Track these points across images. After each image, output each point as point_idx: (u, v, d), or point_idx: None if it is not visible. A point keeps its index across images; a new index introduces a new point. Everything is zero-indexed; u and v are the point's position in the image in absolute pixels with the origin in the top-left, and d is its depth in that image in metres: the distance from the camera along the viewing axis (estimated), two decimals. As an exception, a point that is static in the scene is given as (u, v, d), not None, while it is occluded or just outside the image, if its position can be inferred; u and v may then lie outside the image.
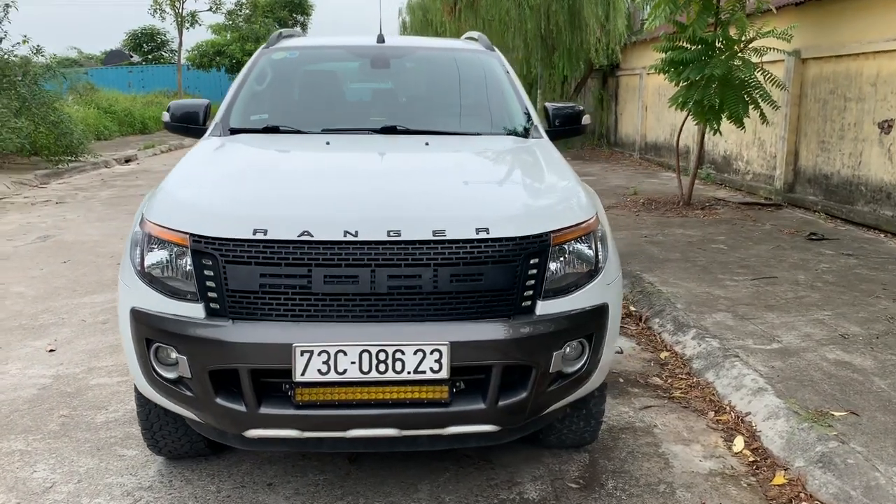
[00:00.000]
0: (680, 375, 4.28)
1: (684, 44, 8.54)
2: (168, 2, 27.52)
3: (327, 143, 3.42)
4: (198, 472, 3.19)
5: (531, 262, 2.59)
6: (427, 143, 3.40)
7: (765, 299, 5.30)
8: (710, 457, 3.36)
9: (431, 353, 2.46)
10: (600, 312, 2.77)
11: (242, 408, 2.52)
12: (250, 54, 26.61)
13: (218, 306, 2.52)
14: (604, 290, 2.80)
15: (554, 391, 2.69)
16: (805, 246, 7.09)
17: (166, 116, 3.93)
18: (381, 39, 4.31)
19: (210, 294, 2.52)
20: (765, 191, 10.19)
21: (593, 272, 2.78)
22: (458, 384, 2.59)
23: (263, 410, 2.52)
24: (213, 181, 2.85)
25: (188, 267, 2.55)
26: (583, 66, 16.60)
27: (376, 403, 2.53)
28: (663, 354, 4.61)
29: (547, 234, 2.63)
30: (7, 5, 14.56)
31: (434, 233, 2.52)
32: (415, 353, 2.46)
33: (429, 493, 3.04)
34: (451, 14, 17.22)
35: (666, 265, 6.31)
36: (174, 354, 2.56)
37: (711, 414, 3.77)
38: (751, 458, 3.31)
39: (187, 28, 28.11)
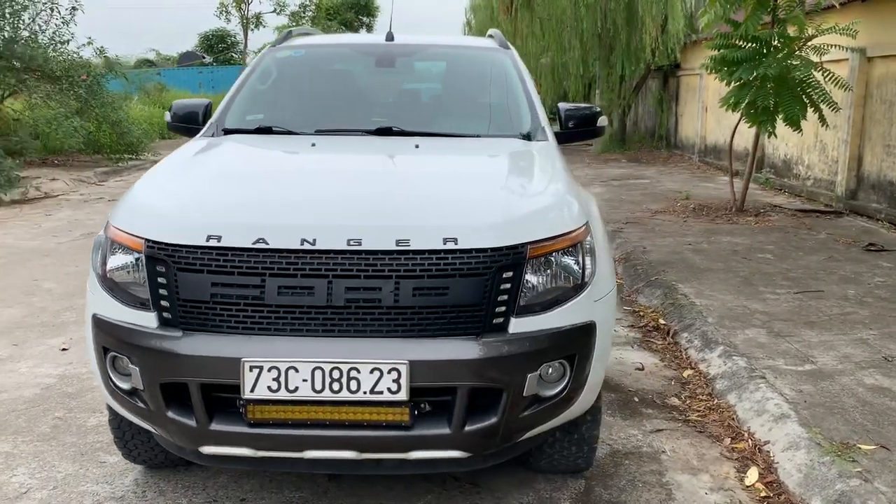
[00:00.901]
0: (700, 396, 3.99)
1: (739, 42, 8.12)
2: (234, 4, 28.05)
3: (312, 145, 3.28)
4: (173, 484, 3.09)
5: (504, 275, 2.39)
6: (417, 146, 3.22)
7: (806, 315, 4.93)
8: (718, 489, 3.08)
9: (389, 372, 2.29)
10: (585, 331, 2.54)
11: (194, 423, 2.39)
12: None
13: (170, 316, 2.40)
14: (590, 308, 2.57)
15: (530, 416, 2.48)
16: (860, 257, 6.63)
17: (168, 116, 3.86)
18: (390, 37, 4.15)
19: (163, 303, 2.41)
20: (825, 197, 9.64)
21: (578, 287, 2.55)
22: (422, 406, 2.41)
23: (215, 427, 2.39)
24: (178, 184, 2.74)
25: (142, 274, 2.44)
26: (642, 66, 16.14)
27: (332, 424, 2.36)
28: (686, 373, 4.32)
29: (523, 245, 2.42)
30: (73, 9, 14.98)
31: (397, 242, 2.34)
32: (371, 371, 2.29)
33: (405, 516, 2.87)
34: (507, 13, 17.00)
35: (705, 275, 5.97)
36: (128, 365, 2.46)
37: (727, 440, 3.48)
38: (762, 493, 3.02)
39: (252, 30, 28.57)
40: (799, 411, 3.49)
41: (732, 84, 8.25)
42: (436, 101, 3.86)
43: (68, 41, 15.20)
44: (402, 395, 2.30)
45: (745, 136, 10.17)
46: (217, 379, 2.33)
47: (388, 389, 2.29)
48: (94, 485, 3.09)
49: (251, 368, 2.29)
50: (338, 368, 2.29)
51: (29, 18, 14.30)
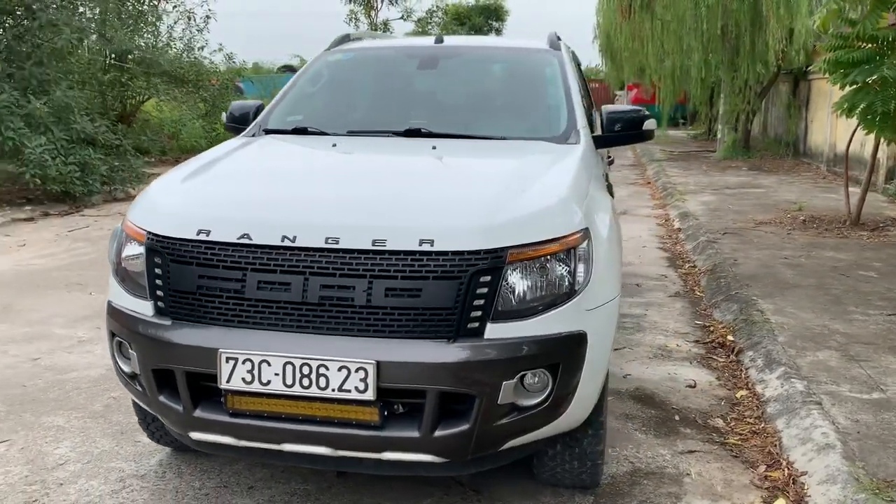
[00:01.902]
0: (747, 419, 3.74)
1: (857, 43, 7.53)
2: (362, 11, 28.97)
3: (333, 146, 3.34)
4: (193, 467, 3.23)
5: (481, 279, 2.34)
6: (434, 147, 3.21)
7: (893, 340, 4.51)
8: (736, 519, 2.88)
9: (356, 371, 2.30)
10: (573, 341, 2.45)
11: (181, 409, 2.50)
12: None
13: (164, 305, 2.52)
14: (581, 317, 2.47)
15: (508, 425, 2.42)
16: (980, 279, 5.98)
17: (224, 117, 4.04)
18: (439, 40, 4.16)
19: (158, 293, 2.53)
20: (959, 212, 8.77)
21: (567, 295, 2.46)
22: (395, 407, 2.40)
23: (199, 414, 2.48)
24: (187, 181, 2.86)
25: (143, 264, 2.58)
26: (769, 69, 15.28)
27: (304, 419, 2.40)
28: (740, 393, 4.05)
29: (502, 249, 2.36)
30: (207, 17, 16.01)
31: (374, 242, 2.35)
32: (339, 369, 2.31)
33: (400, 517, 2.87)
34: (624, 15, 16.58)
35: (791, 292, 5.58)
36: (129, 350, 2.60)
37: (762, 468, 3.25)
38: (783, 528, 2.80)
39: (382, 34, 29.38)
40: (847, 442, 3.20)
41: (847, 88, 7.66)
42: (471, 103, 3.83)
43: (202, 48, 16.23)
44: (370, 395, 2.30)
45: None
46: (198, 368, 2.42)
47: (356, 388, 2.30)
48: (122, 462, 3.28)
49: (227, 359, 2.36)
50: (307, 364, 2.32)
51: (166, 27, 15.40)
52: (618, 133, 3.63)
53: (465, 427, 2.36)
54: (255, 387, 2.36)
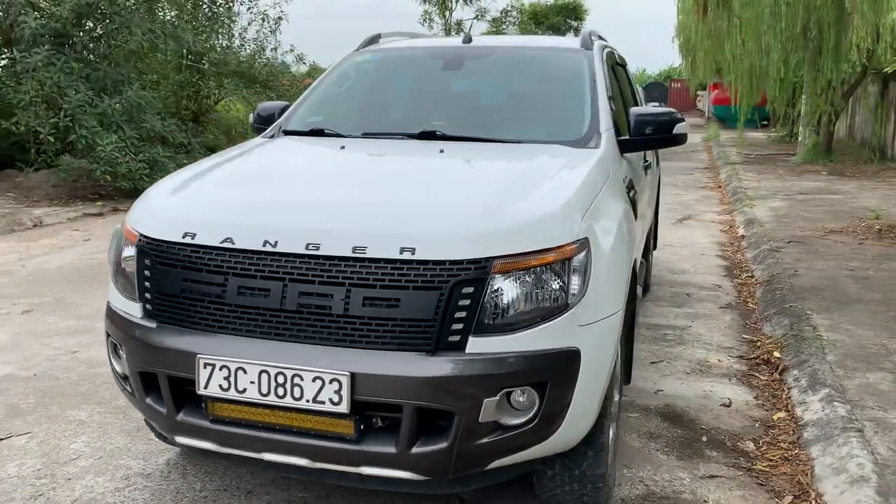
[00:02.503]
0: (781, 444, 3.49)
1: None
2: (437, 12, 29.00)
3: (342, 148, 3.28)
4: (198, 468, 3.23)
5: (463, 290, 2.23)
6: (442, 151, 3.11)
7: (957, 362, 4.16)
8: (750, 554, 2.68)
9: (330, 382, 2.23)
10: (564, 358, 2.31)
11: (165, 412, 2.49)
12: None
13: (151, 308, 2.51)
14: (574, 333, 2.34)
15: (490, 444, 2.30)
16: None
17: (251, 117, 4.05)
18: (467, 40, 4.06)
19: (146, 295, 2.52)
20: None
21: (558, 310, 2.32)
22: (373, 420, 2.32)
23: (181, 418, 2.46)
24: (187, 184, 2.84)
25: (134, 266, 2.57)
26: (855, 69, 14.51)
27: (280, 429, 2.34)
28: (778, 415, 3.80)
29: (487, 259, 2.24)
30: (279, 19, 16.31)
31: (354, 249, 2.28)
32: (313, 380, 2.24)
33: (393, 531, 2.79)
34: (701, 13, 16.04)
35: (851, 307, 5.23)
36: (120, 351, 2.61)
37: (788, 499, 3.02)
38: (799, 566, 2.58)
39: (455, 34, 29.32)
40: (884, 475, 2.95)
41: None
42: (491, 105, 3.71)
43: (274, 49, 16.55)
44: (343, 408, 2.23)
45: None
46: (177, 372, 2.40)
47: (330, 400, 2.23)
48: (132, 459, 3.31)
49: (205, 365, 2.33)
50: (282, 373, 2.27)
51: (240, 29, 15.77)
52: (647, 137, 3.45)
53: (443, 445, 2.26)
54: (232, 394, 2.32)
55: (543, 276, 2.31)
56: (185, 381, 2.43)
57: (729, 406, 3.92)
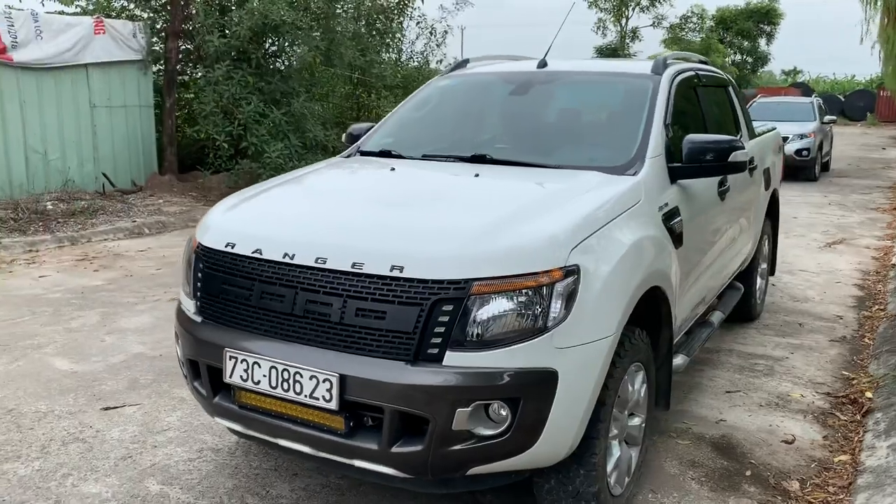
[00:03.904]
0: (830, 488, 3.35)
1: None
2: (612, 19, 28.63)
3: (392, 170, 3.55)
4: (261, 449, 3.63)
5: (444, 308, 2.44)
6: (477, 175, 3.30)
7: None
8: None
9: (323, 381, 2.52)
10: (538, 378, 2.46)
11: (205, 395, 2.90)
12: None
13: (199, 305, 2.94)
14: (551, 354, 2.47)
15: (465, 451, 2.48)
16: None
17: (344, 137, 4.45)
18: (542, 64, 4.20)
19: (198, 294, 2.95)
20: None
21: (537, 331, 2.47)
22: (365, 419, 2.58)
23: (216, 401, 2.86)
24: (243, 200, 3.25)
25: (192, 270, 3.02)
26: None
27: (288, 419, 2.67)
28: (840, 458, 3.62)
29: (466, 280, 2.44)
30: (445, 32, 16.98)
31: (353, 265, 2.56)
32: (310, 378, 2.55)
33: (406, 524, 3.04)
34: (891, 16, 14.75)
35: (978, 350, 4.78)
36: (180, 340, 3.06)
37: (809, 543, 2.93)
38: None
39: (628, 44, 28.82)
40: (917, 531, 2.79)
41: None
42: (545, 130, 3.82)
43: (440, 61, 17.23)
44: (333, 405, 2.51)
45: None
46: (211, 362, 2.80)
47: (323, 397, 2.53)
48: (210, 436, 3.78)
49: (230, 358, 2.71)
50: (287, 370, 2.59)
51: (408, 42, 16.59)
52: (700, 164, 3.44)
53: (418, 448, 2.47)
54: (249, 384, 2.68)
55: (522, 300, 2.47)
56: (218, 370, 2.83)
57: (791, 443, 3.78)
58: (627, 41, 28.51)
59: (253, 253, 2.76)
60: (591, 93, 4.00)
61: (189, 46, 12.60)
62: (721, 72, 5.08)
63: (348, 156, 4.05)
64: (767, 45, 42.75)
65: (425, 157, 3.73)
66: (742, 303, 5.45)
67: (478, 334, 2.45)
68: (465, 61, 4.66)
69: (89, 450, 3.63)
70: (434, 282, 2.45)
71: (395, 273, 2.48)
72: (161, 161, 12.17)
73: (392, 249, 2.56)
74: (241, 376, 2.70)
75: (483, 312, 2.45)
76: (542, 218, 2.73)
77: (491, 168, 3.43)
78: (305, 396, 2.56)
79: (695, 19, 30.59)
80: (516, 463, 2.56)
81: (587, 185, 3.11)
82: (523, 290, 2.47)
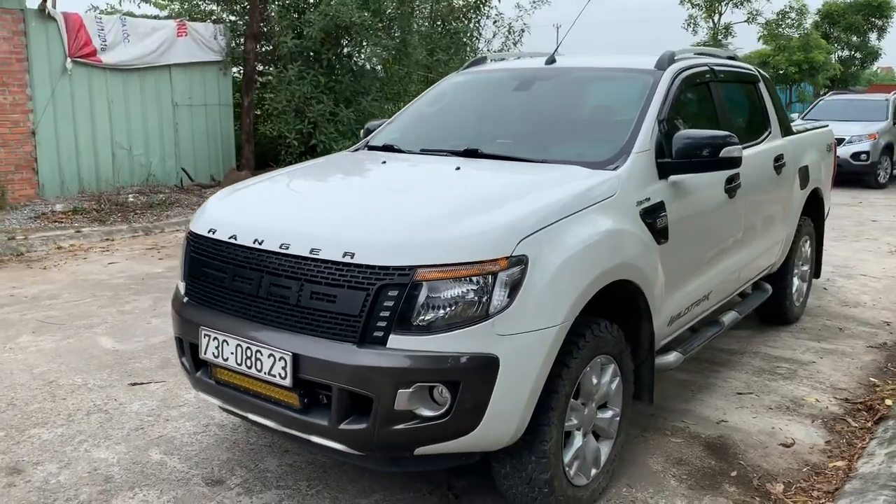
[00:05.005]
0: (815, 492, 3.26)
1: None
2: (703, 16, 27.76)
3: (383, 163, 3.68)
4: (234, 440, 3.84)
5: (389, 293, 2.55)
6: (458, 168, 3.38)
7: None
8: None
9: (279, 359, 2.68)
10: (478, 363, 2.54)
11: (188, 370, 3.12)
12: (798, 66, 24.76)
13: (187, 286, 3.16)
14: (493, 341, 2.55)
15: (408, 431, 2.58)
16: None
17: (362, 131, 4.62)
18: (551, 60, 4.24)
19: (186, 276, 3.17)
20: None
21: (479, 318, 2.55)
22: (320, 397, 2.73)
23: (198, 375, 3.07)
24: (234, 190, 3.45)
25: (184, 254, 3.24)
26: None
27: (254, 394, 2.84)
28: (836, 463, 3.51)
29: (411, 267, 2.54)
30: (522, 30, 16.97)
31: (311, 250, 2.70)
32: (268, 356, 2.71)
33: (378, 500, 3.17)
34: None
35: None
36: (172, 319, 3.29)
37: (773, 545, 2.87)
38: None
39: (721, 41, 27.83)
40: (884, 539, 2.70)
41: None
42: (540, 125, 3.84)
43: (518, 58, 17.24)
44: (288, 382, 2.67)
45: None
46: (192, 339, 3.01)
47: (279, 374, 2.69)
48: (219, 413, 4.00)
49: (204, 335, 2.91)
50: (250, 348, 2.77)
51: (485, 41, 16.69)
52: (690, 160, 3.42)
53: (364, 425, 2.60)
54: (220, 361, 2.87)
55: (465, 287, 2.55)
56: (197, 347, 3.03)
57: (789, 447, 3.69)
58: (720, 38, 27.56)
59: (229, 238, 2.95)
60: (592, 88, 4.01)
61: (268, 48, 13.13)
62: (751, 67, 4.95)
63: (357, 150, 4.21)
64: (879, 39, 40.48)
65: (423, 151, 3.84)
66: (774, 305, 5.30)
67: (421, 319, 2.55)
68: (483, 58, 4.75)
69: (108, 420, 3.94)
70: (381, 268, 2.56)
71: (347, 259, 2.61)
72: (239, 157, 12.74)
73: (347, 237, 2.69)
74: (213, 353, 2.89)
75: (426, 298, 2.55)
76: (499, 209, 2.80)
77: (477, 162, 3.51)
78: (265, 373, 2.73)
79: (793, 15, 29.21)
80: (460, 445, 2.64)
81: (560, 178, 3.15)
82: (467, 278, 2.55)
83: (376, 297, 2.56)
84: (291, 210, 3.13)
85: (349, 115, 11.78)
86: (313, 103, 11.60)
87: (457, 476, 3.33)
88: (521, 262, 2.60)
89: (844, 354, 4.99)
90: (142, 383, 4.44)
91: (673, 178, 3.49)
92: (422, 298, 2.55)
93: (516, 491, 2.91)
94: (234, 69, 12.90)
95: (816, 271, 5.99)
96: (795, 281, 5.49)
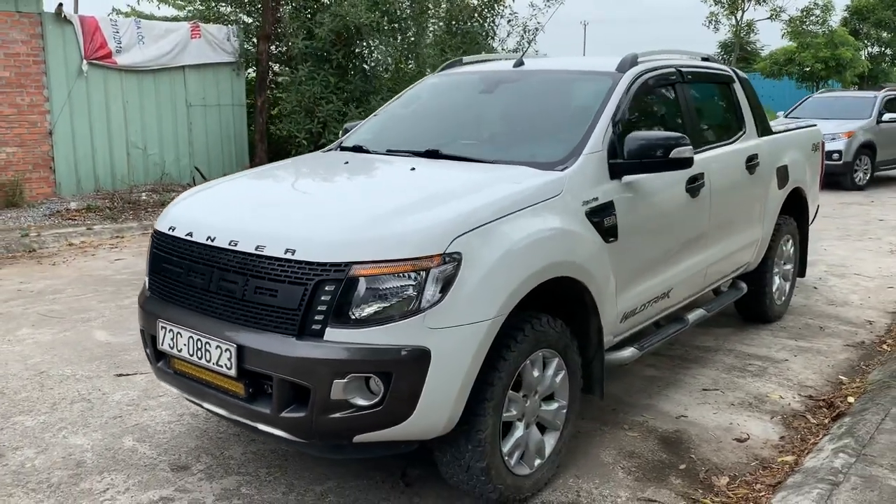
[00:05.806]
0: (756, 485, 3.33)
1: None
2: (724, 13, 27.51)
3: (346, 163, 3.81)
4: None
5: (326, 288, 2.68)
6: (413, 168, 3.50)
7: None
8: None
9: (225, 350, 2.83)
10: (410, 355, 2.66)
11: (151, 359, 3.29)
12: (825, 63, 24.49)
13: (150, 281, 3.32)
14: (423, 334, 2.67)
15: (345, 419, 2.71)
16: None
17: (341, 131, 4.76)
18: (518, 63, 4.34)
19: (150, 272, 3.34)
20: None
21: (411, 312, 2.67)
22: (265, 387, 2.87)
23: (159, 366, 3.24)
24: (199, 191, 3.61)
25: (149, 251, 3.41)
26: None
27: (206, 384, 3.00)
28: (785, 458, 3.57)
29: (347, 263, 2.67)
30: (536, 30, 17.01)
31: (257, 247, 2.85)
32: (216, 347, 2.87)
33: (331, 487, 3.31)
34: None
35: None
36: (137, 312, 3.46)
37: (704, 534, 2.96)
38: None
39: (742, 38, 27.57)
40: (808, 530, 2.77)
41: None
42: (498, 127, 3.95)
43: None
44: (233, 372, 2.82)
45: None
46: (151, 331, 3.17)
47: (225, 365, 2.84)
48: (156, 410, 4.16)
49: (161, 327, 3.08)
50: (200, 340, 2.93)
51: (499, 41, 16.75)
52: (641, 161, 3.50)
53: (302, 414, 2.73)
54: (174, 352, 3.04)
55: (398, 283, 2.68)
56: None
57: (742, 441, 3.76)
58: (742, 35, 27.27)
59: (186, 235, 3.11)
60: (553, 91, 4.10)
61: (281, 49, 13.35)
62: (726, 68, 5.00)
63: (329, 150, 4.35)
64: (909, 35, 39.76)
65: (389, 152, 3.97)
66: (753, 303, 5.36)
67: (357, 313, 2.68)
68: (459, 60, 4.86)
69: (90, 409, 4.12)
70: (318, 264, 2.70)
71: (289, 256, 2.75)
72: (252, 156, 12.97)
73: (290, 235, 2.83)
74: (168, 344, 3.06)
75: (361, 293, 2.68)
76: (438, 207, 2.92)
77: (434, 163, 3.63)
78: (214, 364, 2.88)
79: (818, 12, 28.78)
80: (396, 433, 2.77)
81: (506, 178, 3.26)
82: (401, 274, 2.68)
83: (314, 292, 2.69)
84: (244, 209, 3.28)
85: (358, 115, 11.93)
86: (323, 103, 11.78)
87: (411, 465, 3.45)
88: (454, 258, 2.72)
89: (819, 353, 5.03)
90: (127, 374, 4.63)
91: (627, 178, 3.58)
92: (356, 293, 2.68)
93: (457, 479, 3.03)
94: (249, 70, 13.14)
95: (801, 270, 6.00)
96: (776, 280, 5.53)
